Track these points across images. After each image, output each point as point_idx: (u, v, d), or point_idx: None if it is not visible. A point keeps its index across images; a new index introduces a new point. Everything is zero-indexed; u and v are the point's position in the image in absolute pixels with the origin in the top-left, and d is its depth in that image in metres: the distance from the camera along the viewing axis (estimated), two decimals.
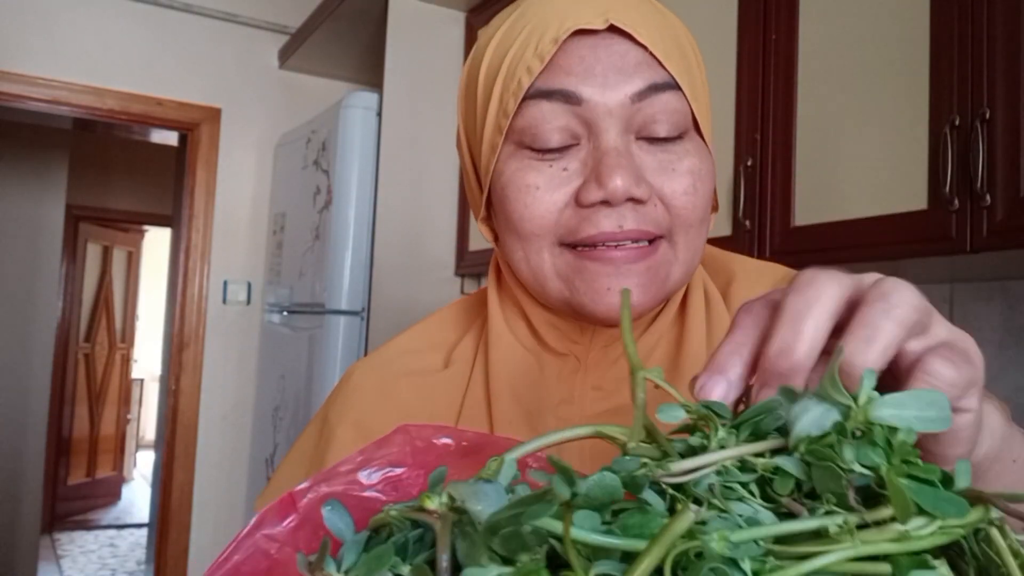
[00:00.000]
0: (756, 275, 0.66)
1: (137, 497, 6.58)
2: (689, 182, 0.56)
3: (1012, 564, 0.24)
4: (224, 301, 3.43)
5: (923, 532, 0.24)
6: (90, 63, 3.17)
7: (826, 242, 1.45)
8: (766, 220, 1.57)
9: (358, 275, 2.71)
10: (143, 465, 7.03)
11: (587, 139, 0.55)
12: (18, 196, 4.51)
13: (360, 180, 2.71)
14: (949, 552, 0.26)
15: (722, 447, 0.28)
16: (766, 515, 0.27)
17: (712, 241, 0.63)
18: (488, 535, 0.24)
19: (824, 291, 0.33)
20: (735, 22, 1.68)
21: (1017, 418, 0.45)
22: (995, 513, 0.25)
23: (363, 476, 0.34)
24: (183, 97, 3.32)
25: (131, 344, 6.59)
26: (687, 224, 0.56)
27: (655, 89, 0.55)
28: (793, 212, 1.54)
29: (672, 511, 0.27)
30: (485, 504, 0.26)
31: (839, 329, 0.33)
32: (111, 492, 6.40)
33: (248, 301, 3.48)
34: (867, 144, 1.41)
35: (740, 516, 0.26)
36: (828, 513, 0.25)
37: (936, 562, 0.23)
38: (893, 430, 0.26)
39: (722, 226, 1.65)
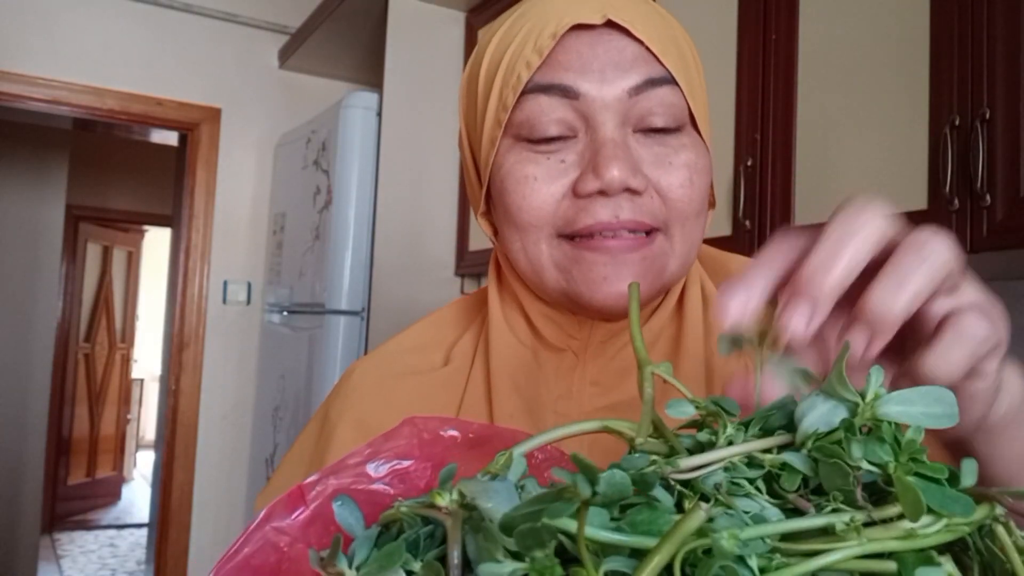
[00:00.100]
0: None
1: (137, 497, 6.57)
2: (686, 175, 0.56)
3: (1017, 560, 0.24)
4: (224, 301, 3.43)
5: (930, 530, 0.24)
6: (90, 63, 3.17)
7: None
8: (766, 220, 1.58)
9: (358, 275, 2.71)
10: (143, 465, 7.03)
11: (584, 132, 0.56)
12: (18, 196, 4.51)
13: (360, 180, 2.71)
14: (954, 548, 0.26)
15: (730, 443, 0.29)
16: (773, 512, 0.27)
17: (712, 241, 0.64)
18: (504, 532, 0.24)
19: (869, 224, 0.33)
20: (735, 22, 1.68)
21: None
22: (1000, 510, 0.25)
23: (371, 469, 0.35)
24: (183, 97, 3.32)
25: (131, 344, 6.59)
26: (683, 217, 0.57)
27: (652, 83, 0.55)
28: (793, 212, 1.54)
29: (680, 507, 0.27)
30: (496, 501, 0.26)
31: (869, 269, 0.33)
32: (111, 492, 6.39)
33: (248, 301, 3.48)
34: (867, 144, 1.42)
35: (747, 513, 0.26)
36: (835, 510, 0.25)
37: (941, 559, 0.24)
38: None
39: (722, 226, 1.65)
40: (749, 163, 1.60)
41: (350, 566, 0.29)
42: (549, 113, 0.56)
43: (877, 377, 0.27)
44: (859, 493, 0.25)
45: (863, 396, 0.27)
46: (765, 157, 1.59)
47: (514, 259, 0.60)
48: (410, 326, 0.72)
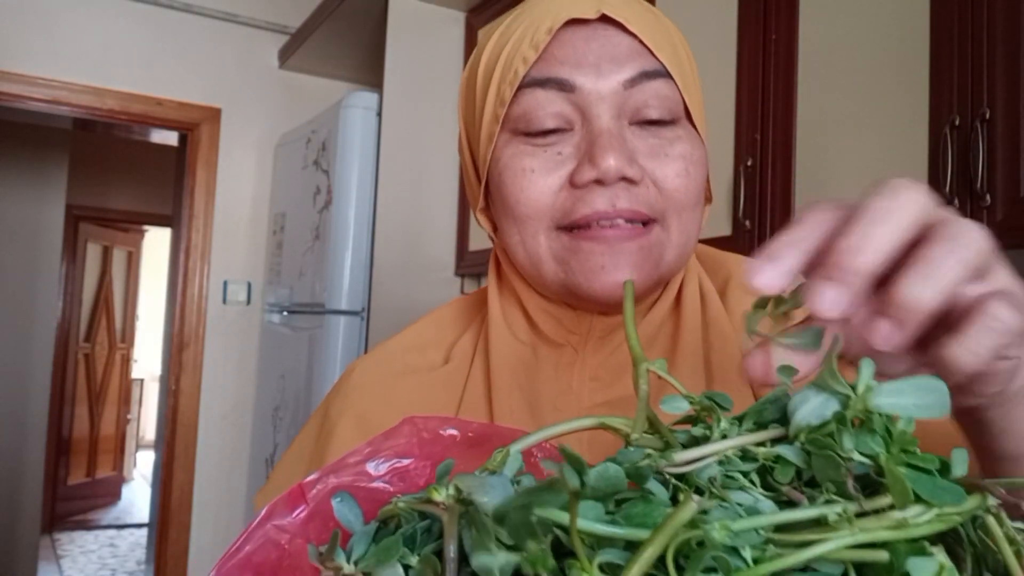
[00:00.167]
0: None
1: (137, 497, 6.58)
2: (681, 165, 0.57)
3: (1007, 550, 0.25)
4: (224, 301, 3.43)
5: (920, 520, 0.24)
6: (90, 63, 3.17)
7: None
8: (766, 220, 1.58)
9: (358, 275, 2.71)
10: (143, 465, 7.03)
11: (581, 125, 0.57)
12: (18, 196, 4.51)
13: (360, 180, 2.71)
14: (947, 539, 0.26)
15: (724, 437, 0.29)
16: (767, 504, 0.27)
17: (712, 241, 0.64)
18: (496, 523, 0.24)
19: (909, 204, 0.32)
20: (735, 22, 1.68)
21: None
22: (992, 500, 0.26)
23: (371, 467, 0.35)
24: (183, 97, 3.32)
25: (131, 344, 6.59)
26: (680, 207, 0.57)
27: (646, 76, 0.56)
28: (793, 212, 1.54)
29: (675, 500, 0.27)
30: (491, 496, 0.26)
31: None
32: (111, 492, 6.40)
33: (248, 301, 3.48)
34: (867, 144, 1.42)
35: (741, 505, 0.27)
36: (827, 502, 0.26)
37: (933, 549, 0.24)
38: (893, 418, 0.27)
39: (722, 226, 1.65)
40: (749, 163, 1.61)
41: (348, 561, 0.29)
42: (546, 106, 0.56)
43: (868, 369, 0.28)
44: (851, 484, 0.25)
45: (854, 388, 0.27)
46: (765, 157, 1.59)
47: (512, 253, 0.60)
48: (410, 325, 0.73)
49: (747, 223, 1.60)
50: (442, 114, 2.78)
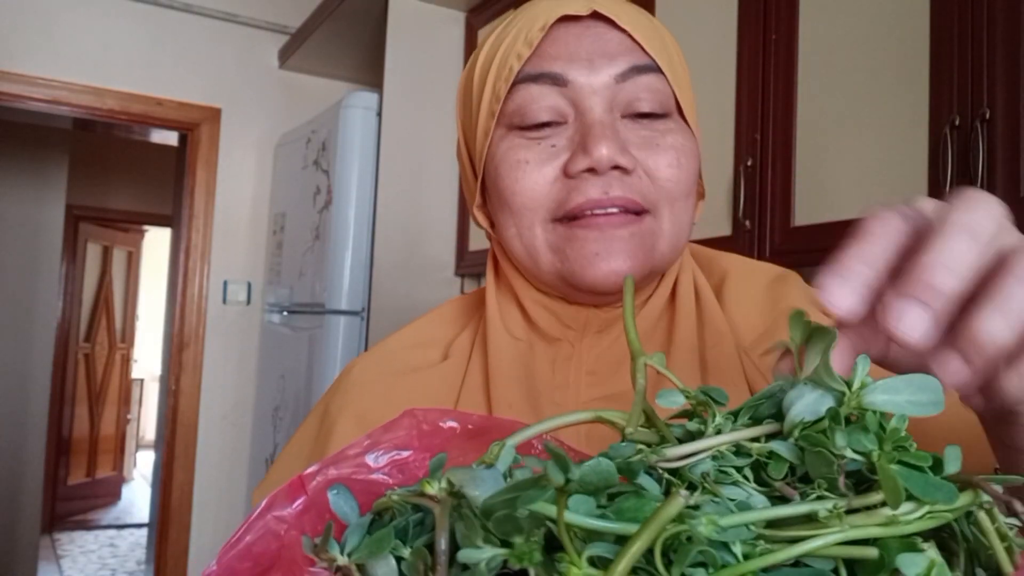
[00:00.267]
0: (748, 273, 0.67)
1: (137, 497, 6.58)
2: (673, 156, 0.58)
3: (999, 546, 0.25)
4: (224, 301, 3.43)
5: (911, 517, 0.24)
6: (90, 63, 3.17)
7: (826, 242, 1.45)
8: (766, 220, 1.58)
9: (358, 275, 2.71)
10: (143, 465, 7.03)
11: (574, 118, 0.58)
12: (18, 196, 4.51)
13: (360, 180, 2.71)
14: (941, 534, 0.26)
15: (718, 432, 0.29)
16: (759, 499, 0.27)
17: (712, 241, 0.64)
18: (484, 518, 0.24)
19: (987, 221, 0.30)
20: (735, 22, 1.68)
21: None
22: (985, 497, 0.26)
23: (370, 459, 0.35)
24: (183, 97, 3.33)
25: (131, 344, 6.59)
26: (672, 197, 0.58)
27: (638, 70, 0.58)
28: (793, 212, 1.54)
29: (668, 495, 0.27)
30: (482, 489, 0.26)
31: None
32: (111, 492, 6.40)
33: (248, 301, 3.48)
34: (867, 144, 1.42)
35: (733, 500, 0.27)
36: (819, 498, 0.26)
37: (925, 545, 0.24)
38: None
39: (722, 226, 1.65)
40: (749, 163, 1.61)
41: (342, 552, 0.29)
42: (539, 100, 0.58)
43: (863, 366, 0.27)
44: (842, 481, 0.25)
45: (849, 385, 0.27)
46: (765, 157, 1.59)
47: (509, 246, 0.61)
48: (409, 324, 0.73)
49: (747, 223, 1.60)
50: (442, 114, 2.78)
